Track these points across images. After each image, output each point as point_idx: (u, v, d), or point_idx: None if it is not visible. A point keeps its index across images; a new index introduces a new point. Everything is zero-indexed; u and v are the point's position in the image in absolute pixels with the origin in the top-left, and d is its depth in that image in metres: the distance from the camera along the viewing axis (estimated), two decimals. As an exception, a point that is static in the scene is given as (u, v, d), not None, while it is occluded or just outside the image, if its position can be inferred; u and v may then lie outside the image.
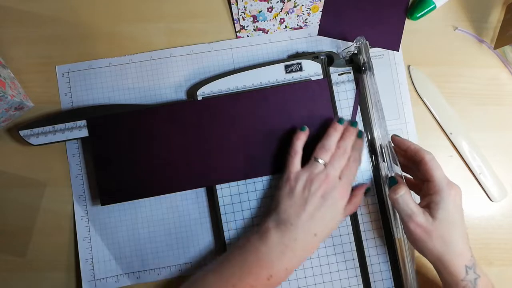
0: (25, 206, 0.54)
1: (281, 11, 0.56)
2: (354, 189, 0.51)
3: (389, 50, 0.56)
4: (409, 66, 0.56)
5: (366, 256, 0.52)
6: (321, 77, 0.53)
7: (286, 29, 0.56)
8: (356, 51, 0.53)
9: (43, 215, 0.54)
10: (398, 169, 0.50)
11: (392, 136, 0.51)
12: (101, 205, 0.51)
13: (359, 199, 0.51)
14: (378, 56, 0.56)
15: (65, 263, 0.54)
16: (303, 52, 0.55)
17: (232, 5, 0.56)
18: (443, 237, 0.44)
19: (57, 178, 0.54)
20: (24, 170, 0.54)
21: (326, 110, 0.53)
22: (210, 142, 0.52)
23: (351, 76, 0.54)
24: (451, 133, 0.55)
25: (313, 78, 0.53)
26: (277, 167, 0.52)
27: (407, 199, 0.46)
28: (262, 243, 0.46)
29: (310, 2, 0.56)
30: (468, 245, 0.45)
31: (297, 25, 0.56)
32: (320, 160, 0.49)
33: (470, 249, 0.45)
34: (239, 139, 0.52)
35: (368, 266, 0.52)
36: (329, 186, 0.48)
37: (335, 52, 0.54)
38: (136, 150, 0.52)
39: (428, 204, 0.46)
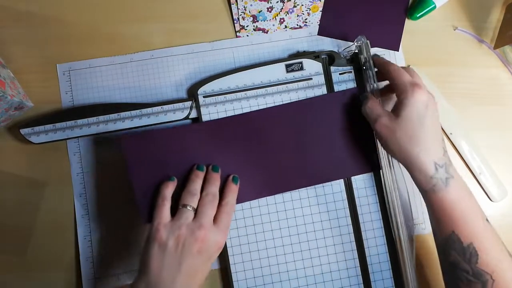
0: (26, 205, 0.54)
1: (281, 11, 0.56)
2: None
3: (389, 50, 0.56)
4: (408, 66, 0.56)
5: (366, 255, 0.52)
6: (322, 76, 0.53)
7: (286, 29, 0.56)
8: (357, 50, 0.53)
9: (43, 214, 0.54)
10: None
11: (374, 58, 0.51)
12: (144, 224, 0.50)
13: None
14: (378, 55, 0.56)
15: (66, 262, 0.53)
16: (304, 51, 0.55)
17: (232, 5, 0.56)
18: (407, 132, 0.44)
19: (57, 177, 0.54)
20: (24, 169, 0.54)
21: (360, 121, 0.51)
22: (245, 158, 0.52)
23: (352, 75, 0.54)
24: (451, 133, 0.55)
25: (314, 78, 0.53)
26: (317, 178, 0.52)
27: (373, 105, 0.47)
28: None
29: (310, 2, 0.56)
30: (442, 147, 0.45)
31: (297, 25, 0.56)
32: (188, 207, 0.46)
33: (444, 150, 0.45)
34: (276, 153, 0.52)
35: (368, 266, 0.52)
36: (205, 239, 0.44)
37: (336, 51, 0.54)
38: (172, 168, 0.50)
39: (395, 106, 0.46)
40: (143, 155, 0.50)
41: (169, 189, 0.48)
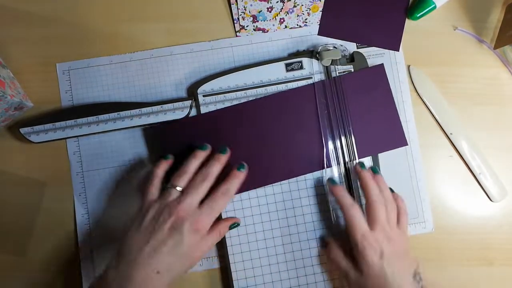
0: (26, 205, 0.54)
1: (281, 11, 0.56)
2: (220, 220, 0.49)
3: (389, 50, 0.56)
4: (409, 66, 0.56)
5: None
6: (322, 75, 0.54)
7: (286, 29, 0.56)
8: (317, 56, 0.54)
9: (43, 213, 0.54)
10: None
11: (327, 182, 0.51)
12: None
13: (221, 232, 0.48)
14: (378, 54, 0.56)
15: (66, 261, 0.53)
16: (304, 50, 0.55)
17: (232, 5, 0.56)
18: (374, 286, 0.44)
19: (57, 176, 0.54)
20: (24, 169, 0.54)
21: (386, 97, 0.53)
22: (250, 145, 0.52)
23: None
24: (451, 133, 0.55)
25: (314, 76, 0.54)
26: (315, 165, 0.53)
27: (338, 260, 0.47)
28: (101, 283, 0.42)
29: (310, 2, 0.56)
30: (409, 273, 0.45)
31: (297, 25, 0.56)
32: (177, 188, 0.45)
33: (413, 277, 0.45)
34: (282, 140, 0.52)
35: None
36: (180, 216, 0.43)
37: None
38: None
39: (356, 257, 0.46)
40: (162, 145, 0.52)
41: (161, 169, 0.48)
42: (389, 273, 0.44)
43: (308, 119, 0.53)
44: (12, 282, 0.53)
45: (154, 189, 0.47)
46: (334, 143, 0.52)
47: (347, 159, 0.52)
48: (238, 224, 0.51)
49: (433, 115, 0.55)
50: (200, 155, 0.48)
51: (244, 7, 0.56)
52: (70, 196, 0.54)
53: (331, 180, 0.50)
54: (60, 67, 0.55)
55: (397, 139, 0.53)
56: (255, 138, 0.52)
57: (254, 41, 0.56)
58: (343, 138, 0.52)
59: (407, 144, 0.53)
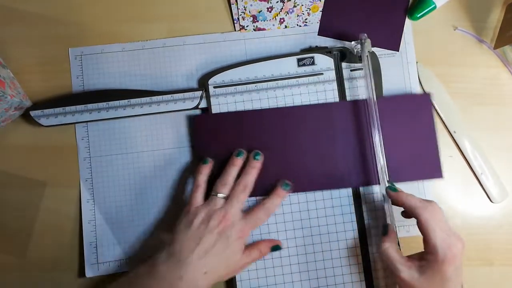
0: (27, 203, 0.54)
1: (281, 11, 0.56)
2: (263, 240, 0.52)
3: (401, 49, 0.56)
4: (416, 62, 0.56)
5: (371, 260, 0.52)
6: (333, 72, 0.53)
7: (286, 29, 0.56)
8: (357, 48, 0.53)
9: (44, 213, 0.54)
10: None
11: (386, 190, 0.48)
12: None
13: (262, 250, 0.50)
14: (390, 54, 0.56)
15: (69, 247, 0.54)
16: (316, 46, 0.55)
17: (232, 5, 0.56)
18: None
19: (64, 163, 0.54)
20: (30, 156, 0.55)
21: (428, 128, 0.52)
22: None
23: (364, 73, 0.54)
24: (454, 132, 0.55)
25: (325, 73, 0.53)
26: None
27: (391, 253, 0.45)
28: (149, 277, 0.45)
29: (310, 2, 0.56)
30: (460, 285, 0.44)
31: (297, 25, 0.56)
32: (219, 195, 0.49)
33: None
34: (336, 148, 0.52)
35: (372, 271, 0.51)
36: (227, 223, 0.47)
37: (349, 48, 0.54)
38: (229, 148, 0.52)
39: (422, 258, 0.44)
40: (208, 134, 0.53)
41: (203, 175, 0.50)
42: (452, 285, 0.43)
43: (344, 135, 0.52)
44: (12, 282, 0.53)
45: (199, 195, 0.50)
46: (366, 163, 0.52)
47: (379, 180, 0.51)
48: (280, 248, 0.51)
49: (437, 113, 0.55)
50: (238, 162, 0.51)
51: (244, 7, 0.56)
52: (72, 194, 0.54)
53: (391, 188, 0.48)
54: (73, 52, 0.55)
55: (433, 171, 0.52)
56: (293, 144, 0.52)
57: (267, 35, 0.56)
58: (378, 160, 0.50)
59: (442, 177, 0.52)
